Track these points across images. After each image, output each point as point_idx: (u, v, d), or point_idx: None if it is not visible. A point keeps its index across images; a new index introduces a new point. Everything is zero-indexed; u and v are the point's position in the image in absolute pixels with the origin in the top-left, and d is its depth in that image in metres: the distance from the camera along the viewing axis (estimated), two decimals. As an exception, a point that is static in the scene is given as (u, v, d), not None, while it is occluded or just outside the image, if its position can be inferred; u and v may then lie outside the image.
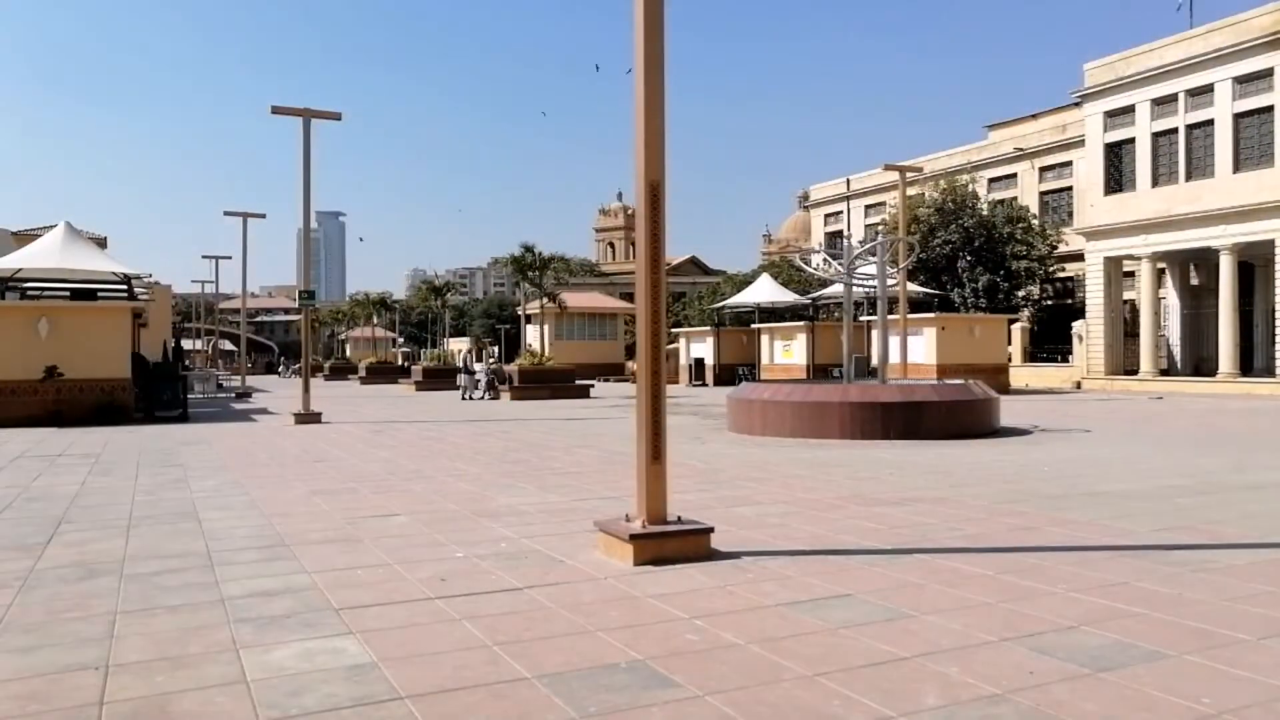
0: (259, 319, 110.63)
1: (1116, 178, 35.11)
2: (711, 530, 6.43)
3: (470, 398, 29.43)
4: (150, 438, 16.14)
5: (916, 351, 29.17)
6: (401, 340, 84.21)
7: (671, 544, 6.19)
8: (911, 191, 36.67)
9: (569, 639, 4.55)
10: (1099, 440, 14.99)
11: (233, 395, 33.92)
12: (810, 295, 37.78)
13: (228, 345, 66.07)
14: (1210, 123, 31.85)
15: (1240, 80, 30.95)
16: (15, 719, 3.63)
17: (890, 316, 21.72)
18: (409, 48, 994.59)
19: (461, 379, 31.69)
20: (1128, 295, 36.90)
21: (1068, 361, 37.78)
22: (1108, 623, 4.74)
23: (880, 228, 44.03)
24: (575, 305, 51.83)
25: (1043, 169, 45.30)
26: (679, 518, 6.46)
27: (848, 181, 56.74)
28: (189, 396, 23.20)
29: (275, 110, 20.46)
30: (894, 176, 30.04)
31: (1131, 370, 34.53)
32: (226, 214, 35.05)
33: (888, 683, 3.93)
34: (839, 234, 52.80)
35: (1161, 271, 35.40)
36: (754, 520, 7.73)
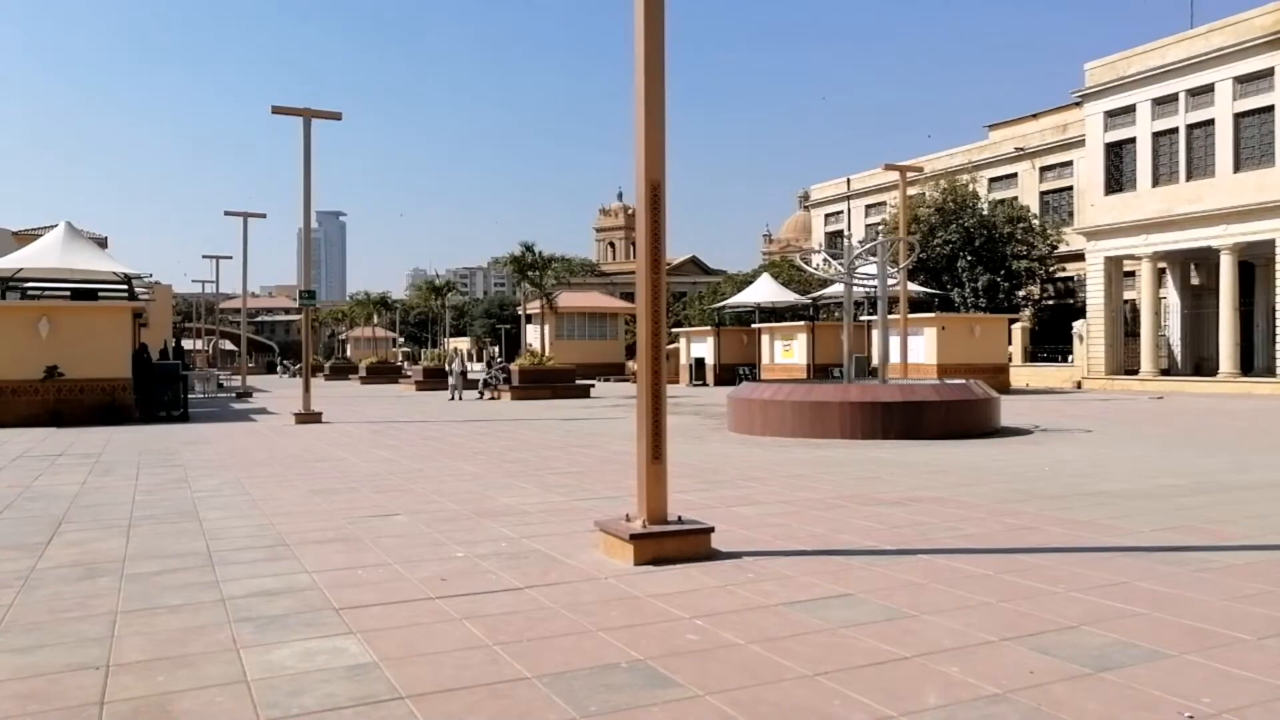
0: (259, 319, 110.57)
1: (1117, 177, 35.10)
2: (712, 530, 6.43)
3: (457, 398, 29.15)
4: (151, 438, 16.14)
5: (917, 351, 29.18)
6: (402, 340, 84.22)
7: (672, 544, 6.19)
8: (912, 191, 36.68)
9: (569, 639, 4.55)
10: (1099, 440, 14.99)
11: (233, 395, 33.93)
12: (810, 295, 37.77)
13: (228, 345, 66.04)
14: (1211, 122, 31.83)
15: (1241, 80, 30.93)
16: (16, 718, 3.64)
17: (890, 316, 21.72)
18: (409, 46, 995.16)
19: (451, 379, 31.25)
20: (1128, 295, 36.89)
21: (1068, 361, 37.77)
22: (1108, 622, 4.74)
23: (880, 228, 44.10)
24: (575, 305, 51.82)
25: (1043, 169, 45.29)
26: (679, 517, 6.46)
27: (848, 181, 56.74)
28: (189, 396, 23.20)
29: (275, 110, 20.46)
30: (894, 176, 30.04)
31: (1132, 370, 34.51)
32: (227, 214, 35.09)
33: (888, 682, 3.94)
34: (839, 234, 52.79)
35: (1162, 271, 35.39)
36: (754, 520, 7.73)
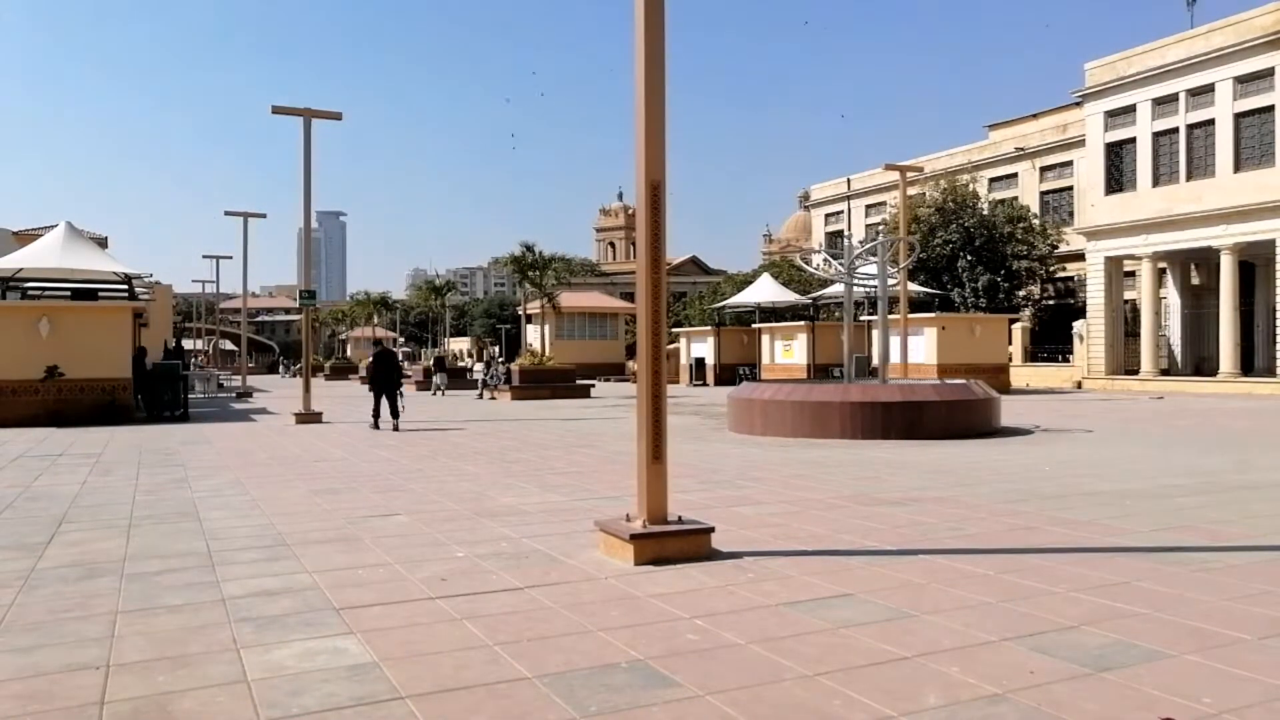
0: (260, 319, 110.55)
1: (1117, 177, 35.10)
2: (712, 530, 6.43)
3: (439, 394, 30.19)
4: (151, 437, 16.14)
5: (917, 351, 29.17)
6: (402, 340, 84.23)
7: (672, 544, 6.19)
8: (912, 191, 36.66)
9: (570, 639, 4.55)
10: (1100, 440, 14.99)
11: (233, 395, 33.92)
12: (811, 295, 37.77)
13: (228, 345, 66.03)
14: (1211, 122, 31.83)
15: (1241, 80, 30.93)
16: (16, 718, 3.64)
17: (891, 316, 21.72)
18: (410, 46, 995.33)
19: (438, 378, 32.44)
20: (1128, 295, 36.89)
21: (1068, 361, 37.76)
22: (1108, 622, 4.74)
23: (881, 227, 44.07)
24: (576, 305, 51.80)
25: (1043, 169, 45.28)
26: (679, 517, 6.46)
27: (848, 181, 56.73)
28: (190, 396, 23.20)
29: (275, 110, 20.45)
30: (895, 176, 30.05)
31: (1132, 370, 34.51)
32: (227, 214, 35.08)
33: (889, 682, 3.94)
34: (840, 234, 52.78)
35: (1162, 271, 35.39)
36: (755, 520, 7.73)
